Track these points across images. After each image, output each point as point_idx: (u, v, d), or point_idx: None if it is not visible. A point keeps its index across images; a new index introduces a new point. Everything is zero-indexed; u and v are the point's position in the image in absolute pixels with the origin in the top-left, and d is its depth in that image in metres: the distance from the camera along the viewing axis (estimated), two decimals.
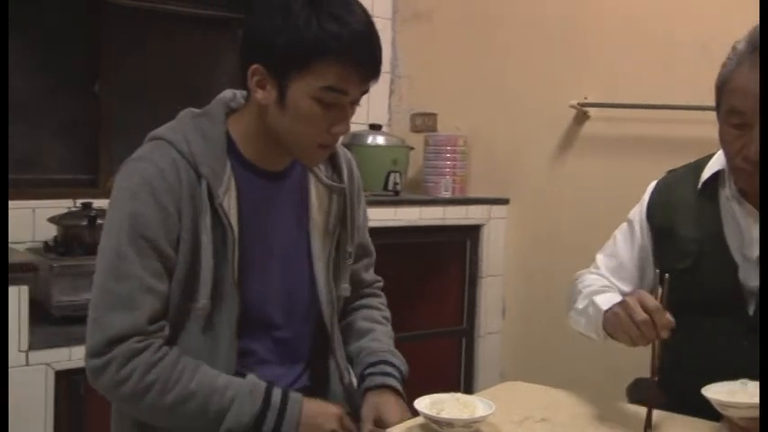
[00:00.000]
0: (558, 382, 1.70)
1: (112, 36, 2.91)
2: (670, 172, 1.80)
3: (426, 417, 1.33)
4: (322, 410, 1.38)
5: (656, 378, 1.42)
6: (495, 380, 3.19)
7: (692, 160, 1.76)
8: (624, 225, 1.81)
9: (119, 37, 2.93)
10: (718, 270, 1.60)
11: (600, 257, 1.82)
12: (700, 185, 1.66)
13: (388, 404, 1.49)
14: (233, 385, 1.34)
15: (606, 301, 1.55)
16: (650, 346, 1.41)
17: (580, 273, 1.82)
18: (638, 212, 1.78)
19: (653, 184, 1.80)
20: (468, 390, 3.19)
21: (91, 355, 1.32)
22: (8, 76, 2.44)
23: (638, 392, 1.81)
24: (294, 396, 1.37)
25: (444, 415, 1.31)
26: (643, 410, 1.43)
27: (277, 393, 1.36)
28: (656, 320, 1.35)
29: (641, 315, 1.37)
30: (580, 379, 1.45)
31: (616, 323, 1.45)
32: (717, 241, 1.61)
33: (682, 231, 1.66)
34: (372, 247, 1.69)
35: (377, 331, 1.64)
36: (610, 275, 1.77)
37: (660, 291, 1.43)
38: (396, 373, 1.55)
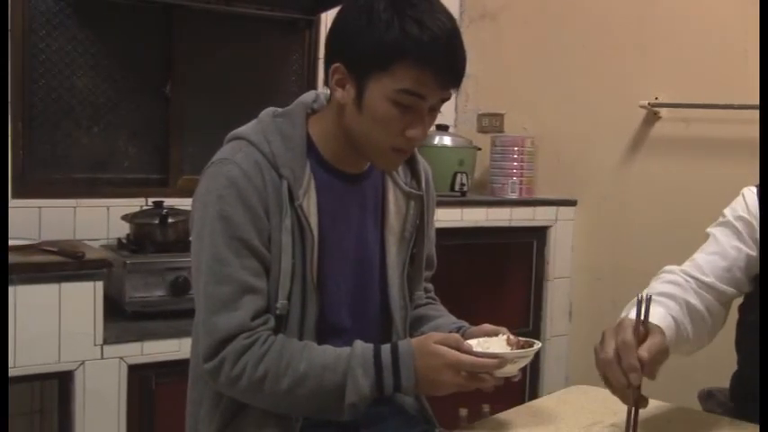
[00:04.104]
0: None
1: (183, 38, 2.97)
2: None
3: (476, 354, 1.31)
4: (434, 362, 1.30)
5: None
6: (560, 383, 3.16)
7: None
8: (725, 229, 1.62)
9: (189, 39, 2.99)
10: None
11: (702, 257, 1.60)
12: None
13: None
14: (342, 358, 1.33)
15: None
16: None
17: (670, 268, 1.61)
18: (750, 223, 1.59)
19: (754, 194, 1.60)
20: (534, 394, 3.16)
21: (204, 359, 1.34)
22: (7, 76, 2.51)
23: (711, 402, 1.76)
24: (404, 350, 1.33)
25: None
26: (714, 417, 1.39)
27: (386, 353, 1.33)
28: (623, 358, 1.20)
29: (607, 353, 1.21)
30: (648, 384, 1.41)
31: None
32: None
33: None
34: (435, 261, 1.68)
35: (448, 316, 1.62)
36: (716, 279, 1.56)
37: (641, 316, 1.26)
38: None
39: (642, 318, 1.26)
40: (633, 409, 1.24)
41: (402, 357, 1.32)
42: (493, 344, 1.37)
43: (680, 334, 1.44)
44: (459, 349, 1.30)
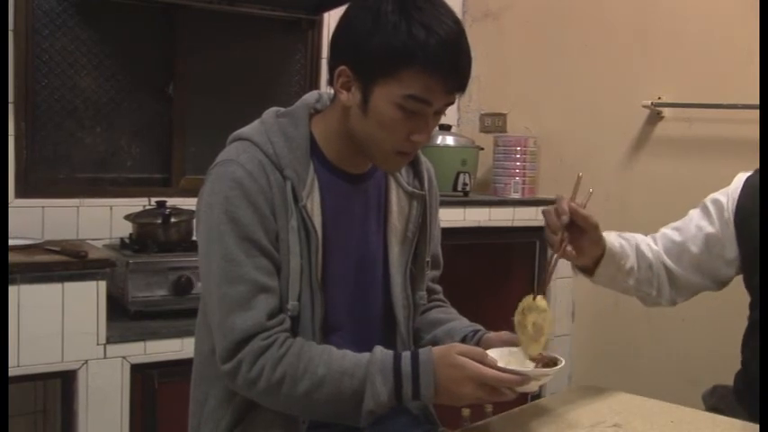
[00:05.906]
0: (629, 386, 1.67)
1: (185, 38, 2.98)
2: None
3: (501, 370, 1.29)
4: (456, 374, 1.28)
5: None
6: (563, 383, 3.16)
7: None
8: (699, 210, 1.73)
9: (191, 39, 2.99)
10: None
11: (664, 230, 1.76)
12: None
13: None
14: (361, 364, 1.31)
15: None
16: None
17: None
18: (722, 204, 1.67)
19: (742, 179, 1.69)
20: (537, 394, 3.15)
21: (222, 360, 1.33)
22: (8, 76, 2.51)
23: (715, 399, 1.77)
24: (424, 358, 1.31)
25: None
26: (716, 417, 1.39)
27: (407, 361, 1.31)
28: (557, 205, 1.47)
29: (548, 209, 1.50)
30: (652, 384, 1.41)
31: None
32: None
33: None
34: (442, 260, 1.68)
35: (461, 320, 1.61)
36: (663, 252, 1.70)
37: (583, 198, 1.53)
38: None
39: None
40: (556, 255, 1.50)
41: (422, 366, 1.30)
42: (515, 356, 1.36)
43: (621, 253, 1.61)
44: (483, 363, 1.28)
